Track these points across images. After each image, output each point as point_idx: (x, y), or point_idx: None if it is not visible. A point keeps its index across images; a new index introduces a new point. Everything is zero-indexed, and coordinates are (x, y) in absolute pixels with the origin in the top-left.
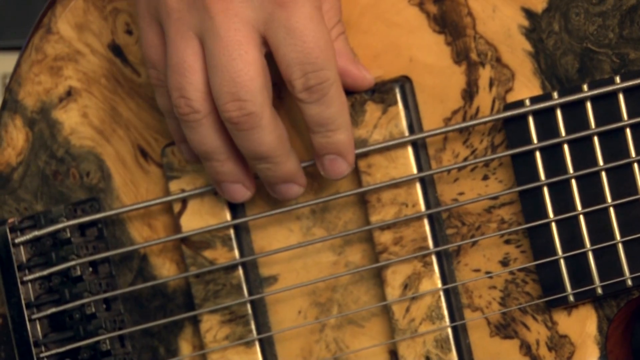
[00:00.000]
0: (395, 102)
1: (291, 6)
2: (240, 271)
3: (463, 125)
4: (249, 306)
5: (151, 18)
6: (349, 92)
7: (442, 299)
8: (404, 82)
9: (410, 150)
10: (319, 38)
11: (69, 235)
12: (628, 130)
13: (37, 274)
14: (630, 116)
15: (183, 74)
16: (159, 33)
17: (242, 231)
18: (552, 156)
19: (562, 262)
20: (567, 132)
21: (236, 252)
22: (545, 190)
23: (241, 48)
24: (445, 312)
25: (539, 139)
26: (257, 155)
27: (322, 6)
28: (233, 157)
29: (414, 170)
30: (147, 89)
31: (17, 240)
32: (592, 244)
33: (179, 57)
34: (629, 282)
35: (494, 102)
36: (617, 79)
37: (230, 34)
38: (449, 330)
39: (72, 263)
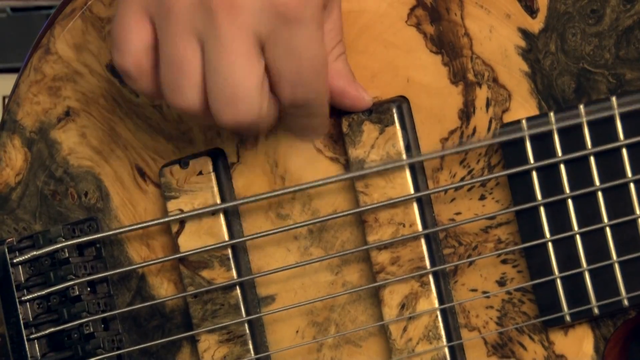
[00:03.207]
0: (393, 122)
1: (296, 25)
2: (238, 291)
3: (459, 149)
4: (246, 326)
5: (141, 9)
6: (346, 112)
7: (439, 318)
8: (401, 103)
9: (407, 170)
10: (315, 60)
11: (67, 255)
12: (624, 150)
13: (36, 294)
14: (626, 136)
15: (180, 72)
16: (145, 25)
17: (239, 251)
18: (549, 176)
19: (558, 282)
20: (564, 152)
21: (234, 272)
22: (542, 210)
23: (243, 58)
24: (443, 332)
25: (536, 159)
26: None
27: (324, 26)
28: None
29: (411, 190)
30: (146, 109)
31: (15, 260)
32: (588, 263)
33: (177, 55)
34: (626, 302)
35: (490, 122)
36: (614, 100)
37: (235, 44)
38: (446, 350)
39: (71, 283)
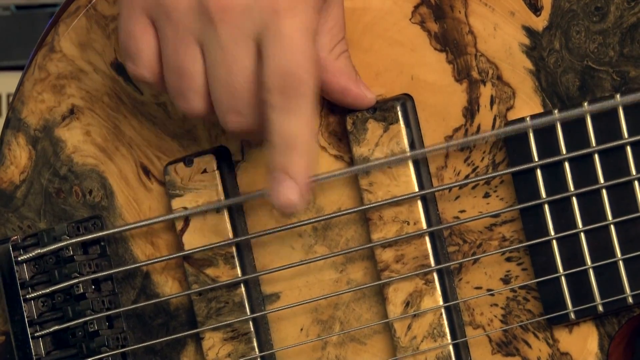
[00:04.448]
0: (397, 120)
1: (288, 15)
2: (243, 289)
3: (463, 140)
4: (251, 324)
5: (143, 13)
6: (351, 110)
7: (444, 316)
8: (406, 100)
9: (411, 168)
10: (304, 50)
11: (71, 253)
12: (629, 148)
13: (40, 292)
14: (630, 134)
15: (181, 78)
16: (149, 30)
17: (244, 249)
18: (553, 174)
19: (563, 279)
20: (568, 150)
21: (238, 270)
22: (546, 207)
23: (241, 62)
24: (447, 330)
25: (540, 157)
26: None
27: (325, 24)
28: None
29: (416, 188)
30: (150, 107)
31: (20, 258)
32: (593, 261)
33: (178, 61)
34: (630, 300)
35: (495, 120)
36: (618, 97)
37: (231, 46)
38: (451, 348)
39: (75, 281)
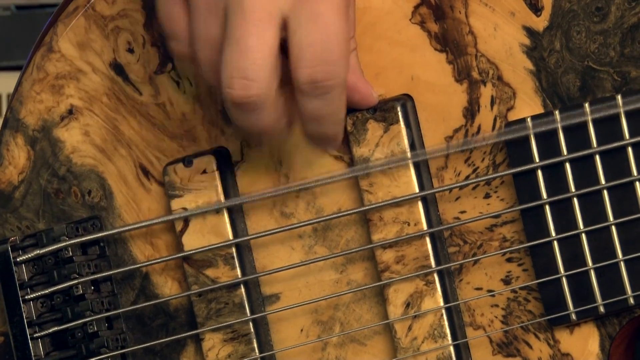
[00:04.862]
0: (397, 121)
1: None
2: (242, 290)
3: (464, 147)
4: (251, 325)
5: None
6: (351, 109)
7: (444, 317)
8: (406, 101)
9: (412, 169)
10: (339, 32)
11: (70, 253)
12: (630, 149)
13: (39, 293)
14: (632, 135)
15: (214, 49)
16: (183, 4)
17: (244, 250)
18: (554, 174)
19: (564, 280)
20: (569, 151)
21: (238, 271)
22: (547, 208)
23: (260, 25)
24: (448, 331)
25: (541, 158)
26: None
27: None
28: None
29: (416, 188)
30: (149, 108)
31: (18, 259)
32: (594, 262)
33: (206, 32)
34: (631, 301)
35: (495, 120)
36: (619, 98)
37: (255, 8)
38: (451, 349)
39: (74, 282)
